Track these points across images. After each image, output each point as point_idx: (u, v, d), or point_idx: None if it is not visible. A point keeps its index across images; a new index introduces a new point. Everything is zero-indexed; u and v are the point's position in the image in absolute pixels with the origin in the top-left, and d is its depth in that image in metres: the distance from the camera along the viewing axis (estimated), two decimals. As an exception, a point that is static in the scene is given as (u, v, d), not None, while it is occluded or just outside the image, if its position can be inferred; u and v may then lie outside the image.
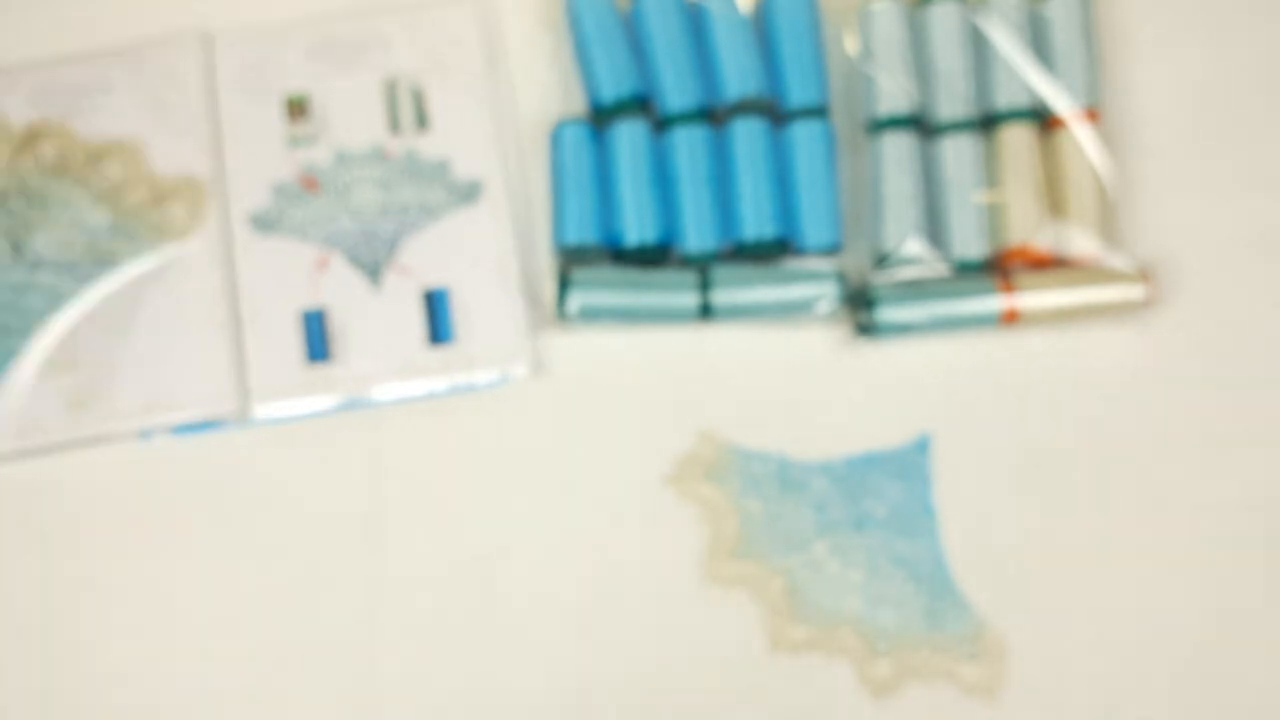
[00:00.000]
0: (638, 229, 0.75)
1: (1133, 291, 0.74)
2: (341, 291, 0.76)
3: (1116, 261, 0.74)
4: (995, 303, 0.73)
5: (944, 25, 0.77)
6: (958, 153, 0.75)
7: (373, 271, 0.77)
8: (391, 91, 0.80)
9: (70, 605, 0.73)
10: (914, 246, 0.74)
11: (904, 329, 0.74)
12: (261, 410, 0.75)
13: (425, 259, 0.77)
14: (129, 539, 0.74)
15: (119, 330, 0.76)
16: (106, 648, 0.72)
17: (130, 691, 0.71)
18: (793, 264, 0.76)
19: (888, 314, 0.74)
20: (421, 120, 0.79)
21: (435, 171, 0.78)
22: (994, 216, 0.75)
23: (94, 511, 0.74)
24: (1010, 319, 0.74)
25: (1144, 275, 0.74)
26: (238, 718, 0.71)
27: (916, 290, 0.74)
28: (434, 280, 0.77)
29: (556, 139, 0.77)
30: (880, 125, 0.76)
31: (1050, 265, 0.75)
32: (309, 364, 0.75)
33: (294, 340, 0.76)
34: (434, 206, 0.78)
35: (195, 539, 0.74)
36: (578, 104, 0.80)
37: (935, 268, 0.75)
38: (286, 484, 0.75)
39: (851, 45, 0.79)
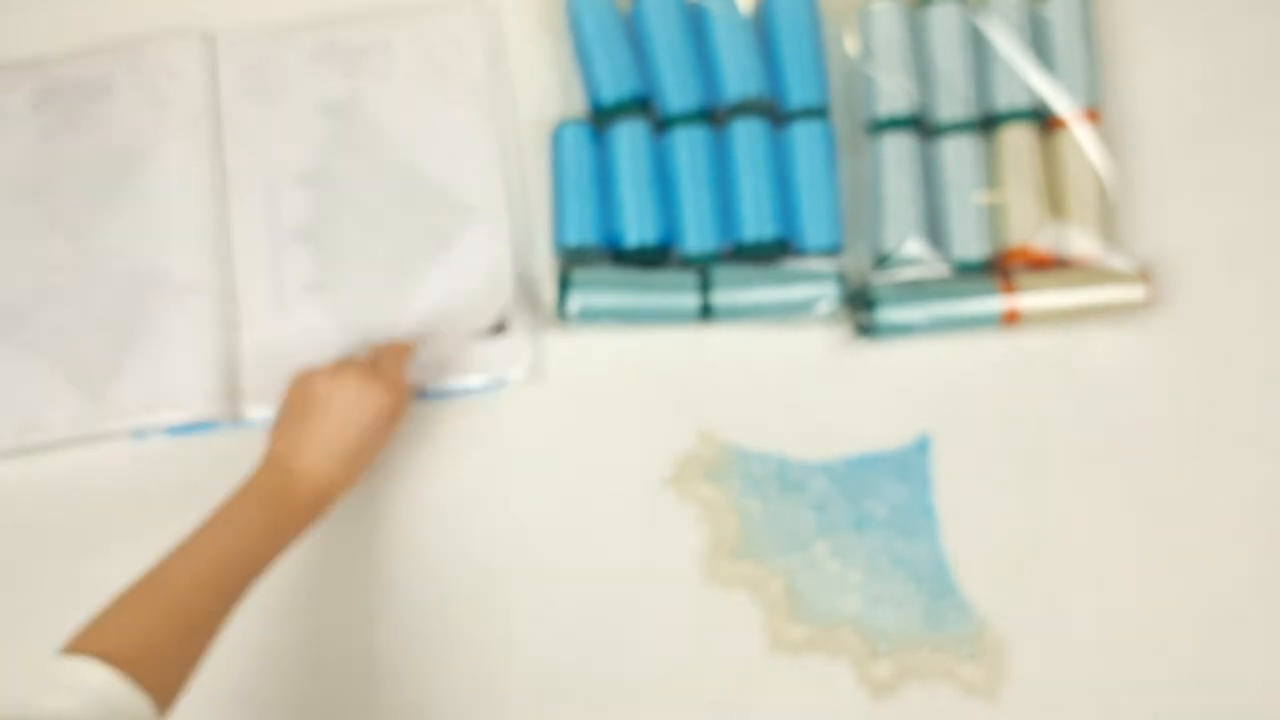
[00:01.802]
0: (638, 230, 0.75)
1: (1133, 292, 0.74)
2: (341, 292, 0.77)
3: (1116, 262, 0.74)
4: (995, 303, 0.73)
5: (944, 25, 0.77)
6: (958, 153, 0.75)
7: (372, 273, 0.77)
8: (392, 95, 0.79)
9: (67, 603, 0.73)
10: (914, 247, 0.74)
11: (904, 329, 0.74)
12: (254, 411, 0.75)
13: (427, 264, 0.77)
14: (127, 538, 0.74)
15: (119, 330, 0.76)
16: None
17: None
18: (793, 264, 0.76)
19: (888, 314, 0.74)
20: (422, 125, 0.79)
21: (437, 178, 0.78)
22: (994, 217, 0.75)
23: (89, 509, 0.75)
24: (1010, 319, 0.74)
25: (1144, 275, 0.74)
26: (236, 716, 0.71)
27: (917, 291, 0.74)
28: (435, 285, 0.76)
29: (557, 140, 0.77)
30: (880, 125, 0.76)
31: (1050, 265, 0.75)
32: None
33: (294, 343, 0.76)
34: (435, 214, 0.78)
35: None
36: (578, 105, 0.80)
37: (935, 268, 0.75)
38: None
39: (851, 45, 0.79)
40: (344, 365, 0.68)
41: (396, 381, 0.69)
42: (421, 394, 0.75)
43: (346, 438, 0.66)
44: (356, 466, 0.67)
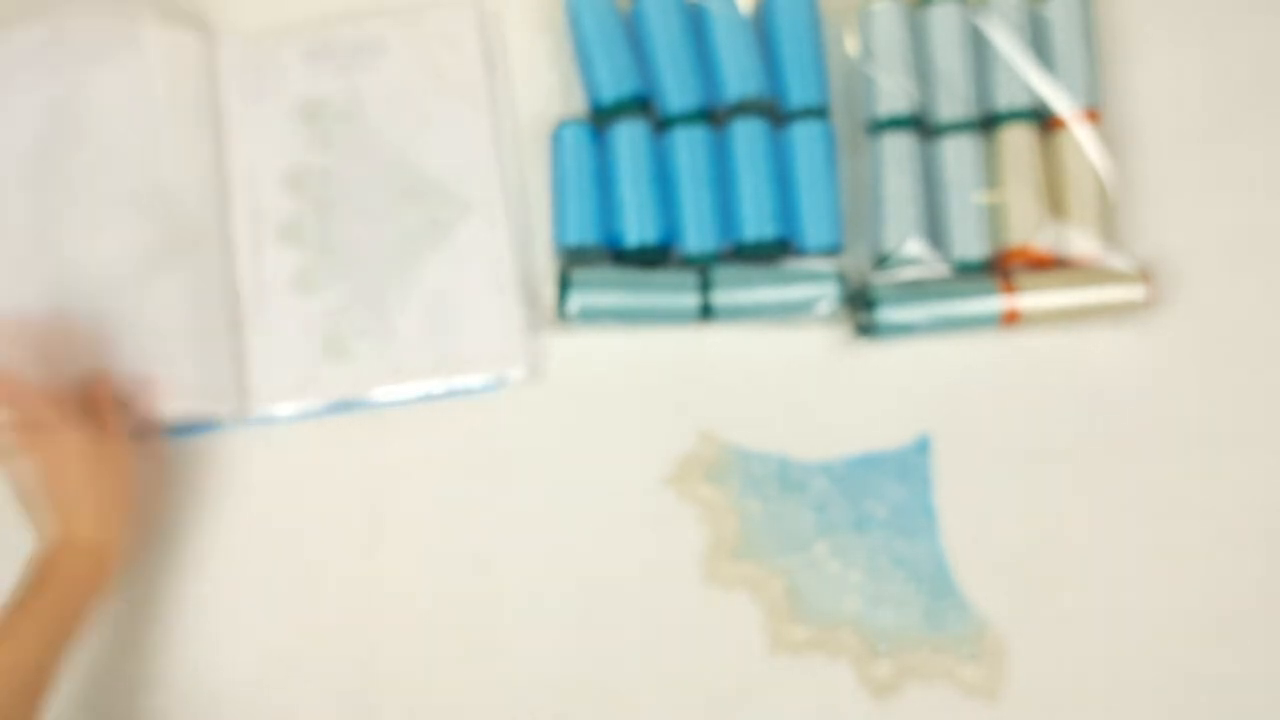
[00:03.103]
0: (638, 229, 0.75)
1: (1133, 292, 0.74)
2: (340, 291, 0.77)
3: (1116, 262, 0.74)
4: (996, 303, 0.73)
5: (944, 25, 0.77)
6: (958, 153, 0.75)
7: (372, 281, 0.77)
8: (392, 98, 0.79)
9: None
10: (914, 247, 0.74)
11: (904, 329, 0.74)
12: (260, 410, 0.75)
13: (425, 267, 0.77)
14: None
15: (124, 329, 0.75)
16: (98, 644, 0.72)
17: (124, 689, 0.72)
18: (793, 264, 0.76)
19: (888, 314, 0.74)
20: (421, 127, 0.79)
21: (435, 178, 0.78)
22: (994, 217, 0.75)
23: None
24: (1011, 319, 0.74)
25: (1144, 275, 0.74)
26: (240, 716, 0.71)
27: (917, 291, 0.74)
28: (433, 288, 0.76)
29: (557, 139, 0.77)
30: (880, 125, 0.76)
31: (1050, 265, 0.75)
32: (309, 366, 0.75)
33: (295, 342, 0.76)
34: (434, 215, 0.78)
35: (192, 538, 0.74)
36: (578, 105, 0.80)
37: (935, 268, 0.75)
38: (283, 484, 0.75)
39: (851, 45, 0.78)
40: (75, 426, 0.64)
41: (116, 427, 0.67)
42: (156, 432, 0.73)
43: (107, 496, 0.64)
44: (121, 523, 0.65)
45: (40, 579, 0.61)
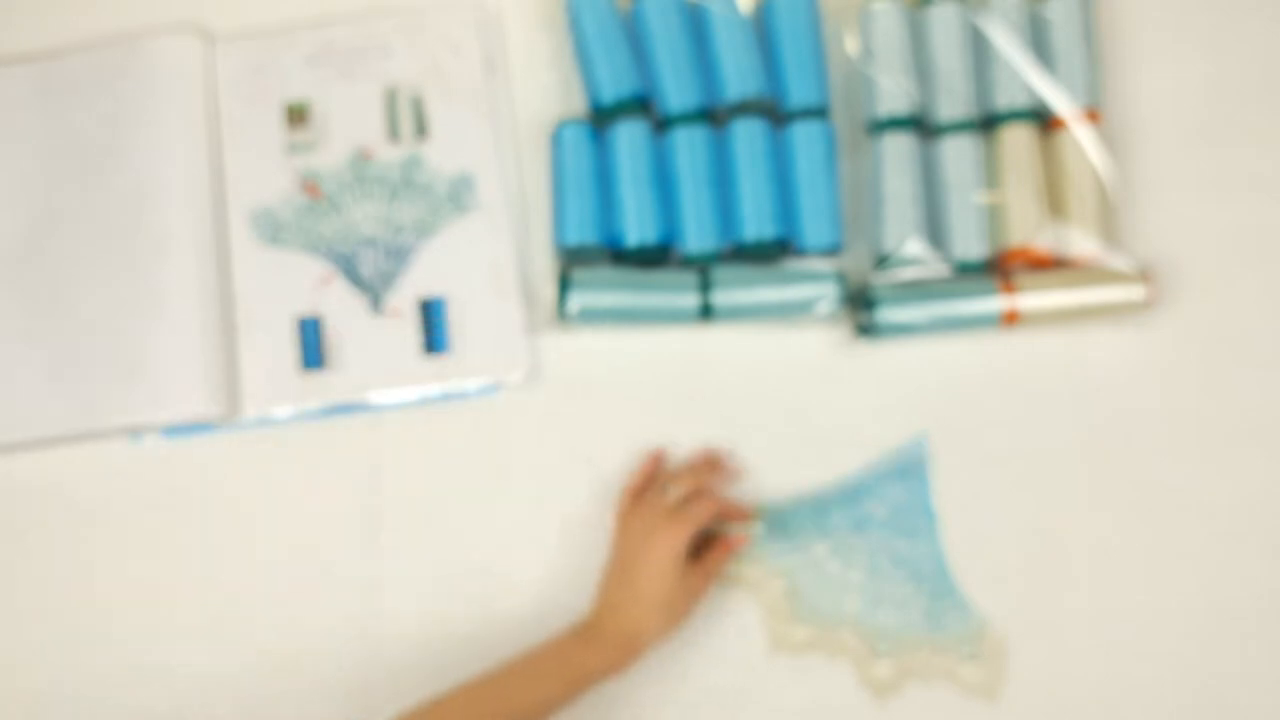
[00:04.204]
0: (638, 229, 0.75)
1: (1133, 292, 0.74)
2: (341, 305, 0.76)
3: (1117, 262, 0.74)
4: (996, 303, 0.73)
5: (944, 25, 0.77)
6: (958, 153, 0.75)
7: (372, 289, 0.77)
8: (391, 100, 0.79)
9: (60, 603, 0.73)
10: (914, 247, 0.74)
11: (904, 329, 0.74)
12: (251, 413, 0.75)
13: (423, 269, 0.77)
14: (119, 536, 0.74)
15: (116, 330, 0.76)
16: (94, 645, 0.72)
17: (120, 689, 0.72)
18: (793, 264, 0.76)
19: (888, 315, 0.73)
20: (421, 129, 0.79)
21: (434, 180, 0.78)
22: (994, 217, 0.75)
23: (85, 507, 0.75)
24: (1011, 319, 0.74)
25: (1144, 276, 0.74)
26: (228, 718, 0.71)
27: (917, 291, 0.74)
28: (431, 290, 0.76)
29: (557, 140, 0.77)
30: (880, 125, 0.76)
31: (1050, 266, 0.75)
32: (303, 370, 0.75)
33: (289, 346, 0.76)
34: (433, 216, 0.78)
35: (186, 539, 0.74)
36: (578, 105, 0.80)
37: (936, 268, 0.75)
38: (275, 486, 0.75)
39: (851, 45, 0.78)
40: (663, 520, 0.68)
41: (714, 563, 0.70)
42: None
43: (657, 591, 0.66)
44: (670, 619, 0.67)
45: (560, 645, 0.66)
